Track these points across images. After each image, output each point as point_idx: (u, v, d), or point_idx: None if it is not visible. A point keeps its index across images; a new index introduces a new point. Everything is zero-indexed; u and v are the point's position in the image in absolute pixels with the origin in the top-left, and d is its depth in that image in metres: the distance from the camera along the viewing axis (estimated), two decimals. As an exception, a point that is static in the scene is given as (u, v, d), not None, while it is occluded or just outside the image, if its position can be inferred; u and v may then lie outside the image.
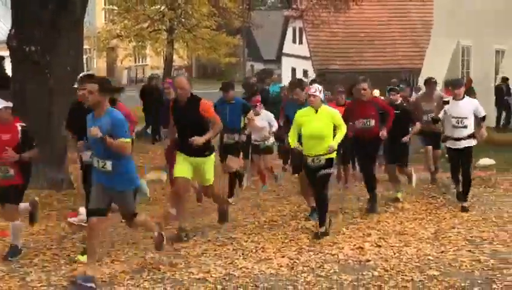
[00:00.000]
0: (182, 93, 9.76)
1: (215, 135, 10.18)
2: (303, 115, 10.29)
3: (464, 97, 11.96)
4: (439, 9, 34.41)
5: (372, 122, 11.70)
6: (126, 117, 10.12)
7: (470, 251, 9.42)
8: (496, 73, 29.25)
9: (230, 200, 12.87)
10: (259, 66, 54.09)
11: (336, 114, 10.35)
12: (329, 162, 10.23)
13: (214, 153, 10.11)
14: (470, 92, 27.68)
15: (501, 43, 29.09)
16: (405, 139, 12.59)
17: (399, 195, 12.68)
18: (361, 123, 11.72)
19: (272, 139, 14.94)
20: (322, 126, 10.10)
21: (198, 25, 35.63)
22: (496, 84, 26.21)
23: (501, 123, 26.24)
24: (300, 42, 48.30)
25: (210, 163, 10.05)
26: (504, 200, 12.86)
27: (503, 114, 26.85)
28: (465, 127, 11.78)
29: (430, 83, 15.00)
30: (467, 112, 11.82)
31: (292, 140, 10.41)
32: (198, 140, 9.49)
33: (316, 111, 10.16)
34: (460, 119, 11.78)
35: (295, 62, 49.24)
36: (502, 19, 28.47)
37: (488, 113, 27.03)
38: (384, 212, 11.88)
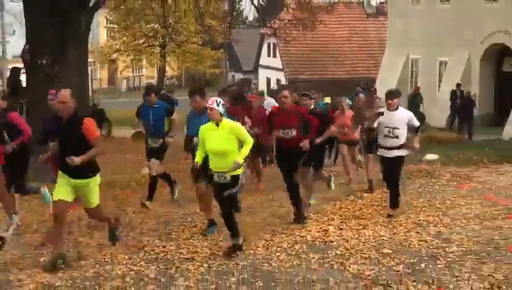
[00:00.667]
0: (62, 108, 7.89)
1: (94, 157, 8.03)
2: (206, 129, 8.46)
3: (397, 108, 10.49)
4: (392, 28, 34.59)
5: (294, 132, 9.90)
6: (19, 126, 9.94)
7: (417, 232, 9.46)
8: (440, 81, 29.46)
9: (147, 203, 11.26)
10: (239, 76, 54.06)
11: (238, 128, 8.46)
12: (234, 179, 8.36)
13: (98, 174, 8.17)
14: (418, 98, 28.08)
15: (444, 56, 29.32)
16: (318, 141, 10.81)
17: (312, 201, 11.30)
18: (282, 132, 9.99)
19: None
20: (223, 141, 8.25)
21: (187, 41, 35.69)
22: (452, 89, 26.32)
23: (453, 126, 25.97)
24: (274, 56, 48.32)
25: (93, 185, 8.12)
26: (446, 189, 12.93)
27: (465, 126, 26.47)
28: (397, 137, 10.35)
29: (370, 91, 14.66)
30: (399, 122, 10.39)
31: (199, 155, 8.60)
32: (74, 160, 7.68)
33: (217, 125, 8.33)
34: (392, 129, 10.38)
35: (270, 73, 49.27)
36: (444, 36, 28.72)
37: (432, 115, 27.52)
38: (345, 200, 11.92)
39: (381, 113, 10.65)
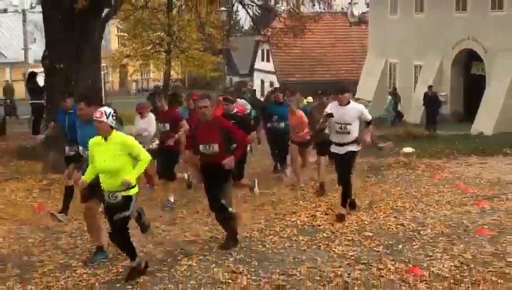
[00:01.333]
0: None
1: None
2: (94, 144, 6.75)
3: (348, 103, 9.30)
4: (372, 35, 34.58)
5: (216, 147, 7.81)
6: None
7: (395, 217, 9.47)
8: (415, 82, 29.50)
9: (63, 219, 9.38)
10: (236, 79, 54.03)
11: (130, 143, 6.69)
12: (126, 201, 6.69)
13: None
14: (396, 97, 28.11)
15: (418, 60, 29.38)
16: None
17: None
18: (203, 148, 7.89)
19: (155, 143, 10.97)
20: (111, 158, 6.57)
21: (190, 48, 35.61)
22: (425, 91, 26.30)
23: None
24: (268, 60, 48.32)
25: None
26: (421, 179, 12.93)
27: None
28: (348, 132, 9.25)
29: (319, 95, 13.37)
30: (349, 118, 9.22)
31: (88, 173, 6.88)
32: None
33: (106, 139, 6.64)
34: (343, 125, 9.23)
35: (264, 76, 49.24)
36: (419, 42, 28.79)
37: (409, 113, 27.54)
38: (331, 189, 11.91)
39: (330, 115, 9.24)
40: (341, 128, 9.28)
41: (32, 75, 19.73)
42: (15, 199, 11.03)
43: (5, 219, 9.55)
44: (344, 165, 9.44)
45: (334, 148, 9.56)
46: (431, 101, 25.46)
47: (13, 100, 29.37)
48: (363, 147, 9.82)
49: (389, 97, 28.49)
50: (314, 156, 11.98)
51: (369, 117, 9.59)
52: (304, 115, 12.25)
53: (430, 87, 26.05)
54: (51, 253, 7.71)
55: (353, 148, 9.42)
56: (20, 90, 32.92)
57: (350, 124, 9.26)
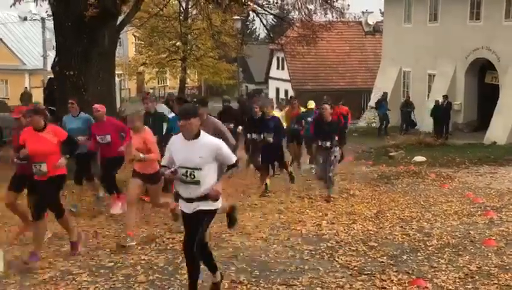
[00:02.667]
0: None
1: None
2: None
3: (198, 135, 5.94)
4: (386, 44, 34.37)
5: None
6: None
7: (401, 227, 9.32)
8: (429, 91, 29.22)
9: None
10: (251, 87, 54.04)
11: None
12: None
13: None
14: (410, 106, 27.84)
15: (432, 69, 29.11)
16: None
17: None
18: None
19: None
20: None
21: (205, 56, 35.62)
22: (436, 100, 25.96)
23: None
24: (283, 68, 48.19)
25: None
26: (431, 188, 12.77)
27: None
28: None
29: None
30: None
31: None
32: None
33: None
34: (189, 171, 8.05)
35: (279, 84, 49.17)
36: (433, 51, 28.52)
37: (422, 122, 27.26)
38: (339, 197, 11.77)
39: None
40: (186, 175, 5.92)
41: (51, 82, 19.75)
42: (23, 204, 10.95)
43: (11, 223, 9.49)
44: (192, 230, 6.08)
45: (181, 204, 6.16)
46: (444, 110, 25.17)
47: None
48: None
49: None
50: None
51: (232, 159, 6.03)
52: None
53: (445, 96, 25.77)
54: (52, 260, 7.61)
55: (205, 206, 6.00)
56: (39, 97, 33.14)
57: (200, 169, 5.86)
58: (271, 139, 12.08)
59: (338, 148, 11.57)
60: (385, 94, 29.05)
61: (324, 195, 11.63)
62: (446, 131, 24.79)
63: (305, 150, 14.69)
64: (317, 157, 11.82)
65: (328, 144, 11.22)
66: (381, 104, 27.87)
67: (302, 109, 15.15)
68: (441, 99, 25.79)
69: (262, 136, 12.26)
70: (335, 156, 11.46)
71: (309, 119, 13.79)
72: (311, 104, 14.63)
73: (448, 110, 25.30)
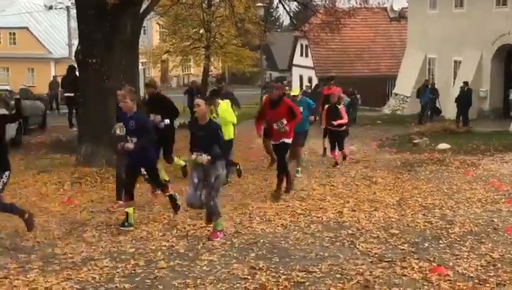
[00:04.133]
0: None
1: None
2: None
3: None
4: (411, 30, 34.03)
5: None
6: None
7: (424, 214, 9.24)
8: (454, 78, 28.86)
9: None
10: (275, 74, 53.94)
11: None
12: None
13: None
14: (434, 91, 27.45)
15: (458, 55, 28.75)
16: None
17: None
18: None
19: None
20: None
21: (228, 43, 35.53)
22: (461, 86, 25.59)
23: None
24: (306, 55, 47.99)
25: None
26: (454, 175, 12.63)
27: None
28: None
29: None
30: None
31: None
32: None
33: None
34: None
35: (302, 71, 48.97)
36: (458, 37, 28.15)
37: (447, 109, 26.98)
38: (361, 184, 11.71)
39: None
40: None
41: (72, 69, 19.94)
42: (46, 192, 11.11)
43: (35, 211, 9.58)
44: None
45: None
46: (465, 97, 24.81)
47: (56, 94, 29.92)
48: None
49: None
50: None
51: None
52: None
53: (465, 83, 25.43)
54: (75, 245, 7.68)
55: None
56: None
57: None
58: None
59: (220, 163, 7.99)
60: (427, 81, 28.47)
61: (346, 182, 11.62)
62: (465, 118, 24.42)
63: None
64: (192, 174, 8.25)
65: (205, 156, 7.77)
66: (424, 91, 27.18)
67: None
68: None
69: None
70: (217, 176, 7.94)
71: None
72: (295, 92, 13.87)
73: (469, 96, 24.87)
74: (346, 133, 14.82)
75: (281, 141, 10.37)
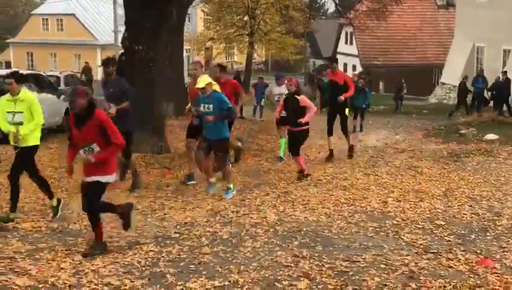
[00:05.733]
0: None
1: None
2: None
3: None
4: (460, 18, 33.42)
5: None
6: None
7: (471, 206, 9.09)
8: (503, 67, 28.23)
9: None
10: (319, 62, 53.58)
11: None
12: None
13: None
14: (484, 80, 26.75)
15: (507, 44, 28.11)
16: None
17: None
18: None
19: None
20: None
21: (272, 30, 35.53)
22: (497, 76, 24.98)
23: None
24: (351, 43, 47.60)
25: None
26: (502, 166, 12.38)
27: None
28: None
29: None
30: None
31: None
32: None
33: None
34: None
35: (347, 59, 48.53)
36: (508, 26, 27.50)
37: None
38: (406, 175, 11.59)
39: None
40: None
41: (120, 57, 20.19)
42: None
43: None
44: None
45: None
46: (503, 86, 24.23)
47: (90, 79, 30.50)
48: None
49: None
50: None
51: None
52: None
53: (504, 72, 24.82)
54: (121, 230, 7.80)
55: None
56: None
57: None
58: None
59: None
60: (481, 70, 27.74)
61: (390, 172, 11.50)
62: (508, 107, 23.86)
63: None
64: None
65: None
66: (477, 80, 26.48)
67: None
68: (501, 76, 24.86)
69: None
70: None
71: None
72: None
73: (507, 86, 24.25)
74: (305, 134, 11.24)
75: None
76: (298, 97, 11.02)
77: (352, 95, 13.77)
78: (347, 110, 13.38)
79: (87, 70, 33.78)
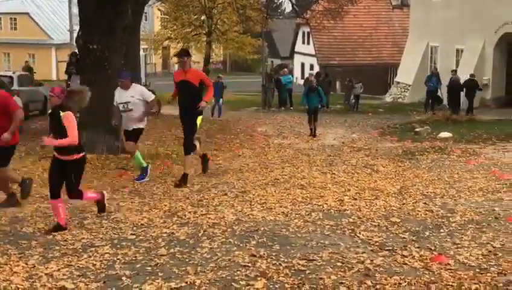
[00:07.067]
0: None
1: None
2: None
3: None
4: (414, 18, 33.94)
5: None
6: None
7: (425, 203, 9.22)
8: (457, 66, 28.76)
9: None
10: (277, 62, 53.76)
11: None
12: None
13: None
14: (438, 79, 27.17)
15: (460, 44, 28.67)
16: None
17: None
18: None
19: None
20: None
21: (229, 30, 35.51)
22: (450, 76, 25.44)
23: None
24: (308, 43, 47.92)
25: None
26: (456, 164, 12.61)
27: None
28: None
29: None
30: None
31: None
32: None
33: None
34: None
35: (304, 58, 48.89)
36: (461, 26, 28.07)
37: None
38: (362, 173, 11.70)
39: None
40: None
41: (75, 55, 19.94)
42: (47, 178, 11.06)
43: (35, 197, 9.60)
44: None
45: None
46: (453, 85, 24.73)
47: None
48: None
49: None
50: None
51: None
52: None
53: (454, 71, 25.33)
54: (76, 232, 7.68)
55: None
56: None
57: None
58: None
59: None
60: (435, 69, 28.05)
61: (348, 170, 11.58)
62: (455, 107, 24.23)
63: None
64: None
65: None
66: (431, 78, 26.77)
67: None
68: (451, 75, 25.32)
69: None
70: None
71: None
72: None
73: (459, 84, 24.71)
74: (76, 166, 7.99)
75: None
76: (62, 113, 7.65)
77: (306, 94, 13.73)
78: (200, 118, 10.79)
79: (27, 69, 33.09)
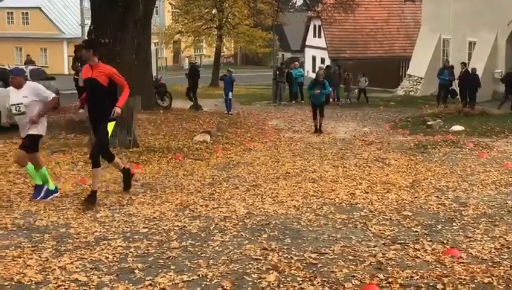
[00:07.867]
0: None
1: None
2: None
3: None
4: (426, 11, 33.73)
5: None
6: None
7: (437, 196, 9.19)
8: (469, 59, 28.60)
9: None
10: (288, 55, 53.71)
11: None
12: None
13: None
14: (450, 72, 27.00)
15: (472, 36, 28.47)
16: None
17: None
18: None
19: None
20: None
21: (240, 23, 35.48)
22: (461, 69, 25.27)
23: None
24: (319, 36, 47.75)
25: None
26: (468, 157, 12.56)
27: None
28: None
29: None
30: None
31: None
32: None
33: None
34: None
35: (315, 52, 48.76)
36: (473, 18, 27.87)
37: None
38: (374, 166, 11.67)
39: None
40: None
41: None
42: (59, 172, 11.17)
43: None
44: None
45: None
46: (468, 78, 24.61)
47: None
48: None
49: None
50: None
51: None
52: None
53: (463, 64, 25.15)
54: (88, 225, 7.72)
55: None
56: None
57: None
58: None
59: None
60: (447, 62, 27.86)
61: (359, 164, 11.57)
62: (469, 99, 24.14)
63: None
64: None
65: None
66: (443, 71, 26.61)
67: None
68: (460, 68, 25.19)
69: None
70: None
71: None
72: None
73: (472, 78, 24.58)
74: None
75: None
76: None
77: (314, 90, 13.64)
78: (112, 124, 8.99)
79: (30, 63, 33.21)
